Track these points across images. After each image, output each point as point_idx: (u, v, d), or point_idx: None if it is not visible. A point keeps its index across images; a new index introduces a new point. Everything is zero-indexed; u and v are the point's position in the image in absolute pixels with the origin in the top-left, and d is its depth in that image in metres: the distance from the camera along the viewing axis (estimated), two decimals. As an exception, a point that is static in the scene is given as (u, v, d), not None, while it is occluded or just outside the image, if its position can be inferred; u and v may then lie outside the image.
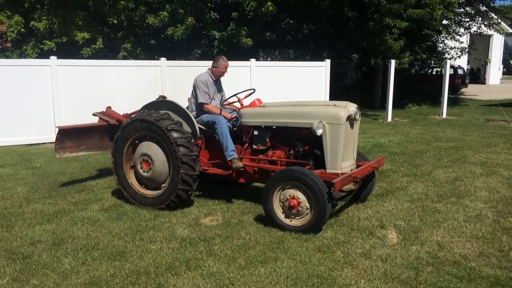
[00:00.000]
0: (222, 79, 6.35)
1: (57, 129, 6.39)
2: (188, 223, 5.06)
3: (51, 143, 9.13)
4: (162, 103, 5.87)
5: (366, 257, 4.18)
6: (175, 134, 5.23)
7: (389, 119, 14.19)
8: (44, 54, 11.98)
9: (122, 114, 6.78)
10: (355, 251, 4.30)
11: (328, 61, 13.95)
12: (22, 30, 12.47)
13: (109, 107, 6.96)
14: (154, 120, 5.31)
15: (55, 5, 12.78)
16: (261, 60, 17.86)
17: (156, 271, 3.92)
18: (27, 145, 9.76)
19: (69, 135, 6.38)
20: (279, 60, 19.57)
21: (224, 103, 6.15)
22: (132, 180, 5.73)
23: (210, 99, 5.94)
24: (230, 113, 5.97)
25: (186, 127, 5.56)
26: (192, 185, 5.32)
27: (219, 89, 6.23)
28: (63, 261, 4.10)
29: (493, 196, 6.07)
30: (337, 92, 17.88)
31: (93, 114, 6.84)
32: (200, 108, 5.92)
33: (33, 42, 12.72)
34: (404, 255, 4.22)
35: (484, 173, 7.24)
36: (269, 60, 19.31)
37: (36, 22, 12.39)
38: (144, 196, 5.61)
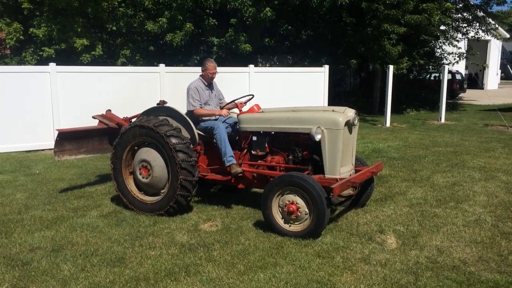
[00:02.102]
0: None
1: (56, 132, 6.40)
2: (188, 229, 5.06)
3: (50, 149, 9.13)
4: (161, 109, 5.89)
5: (365, 262, 4.18)
6: (174, 140, 5.24)
7: (388, 124, 14.22)
8: (43, 61, 11.99)
9: (122, 117, 6.79)
10: (354, 256, 4.30)
11: (327, 66, 13.99)
12: (21, 37, 12.50)
13: (109, 110, 6.97)
14: (153, 126, 5.32)
15: (54, 12, 12.81)
16: (259, 66, 17.91)
17: (156, 277, 3.91)
18: (26, 151, 9.75)
19: (68, 138, 6.38)
20: (278, 66, 19.63)
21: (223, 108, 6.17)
22: (131, 186, 5.73)
23: (200, 104, 5.92)
24: (225, 119, 6.00)
25: (185, 133, 5.57)
26: (191, 191, 5.32)
27: (215, 93, 6.22)
28: (63, 268, 4.09)
29: (492, 200, 6.08)
30: (336, 97, 17.93)
31: (93, 117, 6.86)
32: (193, 115, 5.92)
33: (32, 49, 12.75)
34: (404, 260, 4.22)
35: (482, 178, 7.26)
36: (268, 66, 19.36)
37: (35, 29, 12.42)
38: (143, 202, 5.60)
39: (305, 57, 18.82)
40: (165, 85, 11.17)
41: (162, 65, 11.32)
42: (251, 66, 12.72)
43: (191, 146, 5.43)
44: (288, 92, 13.07)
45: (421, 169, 7.94)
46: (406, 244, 4.60)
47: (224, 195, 6.31)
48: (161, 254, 4.37)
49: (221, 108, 6.14)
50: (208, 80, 6.07)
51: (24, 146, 9.84)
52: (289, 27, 17.20)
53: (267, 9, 14.20)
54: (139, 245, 4.60)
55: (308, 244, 4.53)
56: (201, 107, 5.90)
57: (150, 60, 14.73)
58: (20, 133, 9.82)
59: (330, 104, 14.11)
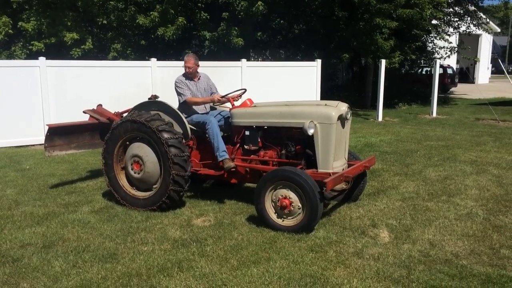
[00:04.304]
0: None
1: (47, 127, 6.33)
2: (180, 224, 5.03)
3: (40, 144, 9.03)
4: (153, 104, 5.84)
5: (358, 256, 4.19)
6: (166, 135, 5.20)
7: (380, 118, 14.26)
8: (32, 55, 11.87)
9: (113, 112, 6.73)
10: (347, 251, 4.31)
11: (319, 61, 13.98)
12: (10, 31, 12.36)
13: (100, 105, 6.91)
14: (145, 121, 5.27)
15: (44, 5, 12.67)
16: (252, 60, 17.85)
17: (148, 273, 3.89)
18: (16, 147, 9.65)
19: (59, 133, 6.32)
20: (270, 60, 19.58)
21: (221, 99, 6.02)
22: (123, 181, 5.69)
23: (191, 92, 5.86)
24: (218, 113, 5.96)
25: (177, 128, 5.53)
26: (183, 186, 5.29)
27: (204, 86, 6.12)
28: (54, 264, 4.05)
29: (483, 194, 6.12)
30: (328, 92, 17.94)
31: (84, 112, 6.79)
32: (188, 108, 5.88)
33: (21, 43, 12.62)
34: (396, 254, 4.23)
35: (474, 172, 7.30)
36: (260, 60, 19.30)
37: (24, 23, 12.29)
38: (135, 198, 5.56)
39: (298, 52, 18.79)
40: (157, 80, 11.11)
41: (153, 59, 11.25)
42: (244, 60, 12.67)
43: (184, 141, 5.40)
44: (280, 86, 13.04)
45: (413, 163, 7.97)
46: (398, 238, 4.61)
47: (218, 190, 6.29)
48: (153, 250, 4.35)
49: (223, 96, 5.98)
50: (189, 74, 5.99)
51: (14, 142, 9.75)
52: (282, 21, 17.15)
53: (259, 3, 14.13)
54: (131, 240, 4.57)
55: (301, 239, 4.53)
56: (191, 96, 5.86)
57: (142, 54, 14.63)
58: (9, 128, 9.71)
59: (322, 98, 14.11)
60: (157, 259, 4.13)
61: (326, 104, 5.18)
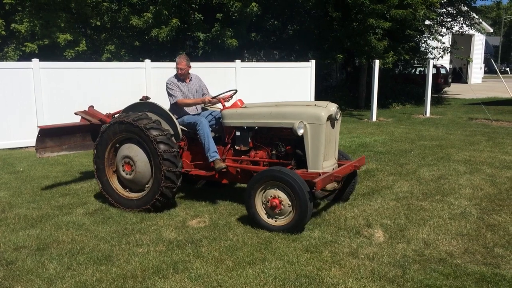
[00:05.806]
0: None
1: (38, 129, 6.30)
2: (175, 225, 5.03)
3: (34, 147, 8.99)
4: (144, 105, 5.82)
5: (353, 256, 4.20)
6: (154, 132, 5.19)
7: (374, 118, 14.30)
8: (26, 57, 11.81)
9: (105, 113, 6.71)
10: (342, 251, 4.32)
11: (313, 61, 14.00)
12: (3, 32, 12.29)
13: (91, 106, 6.87)
14: (132, 120, 5.27)
15: (37, 7, 12.61)
16: (246, 61, 17.86)
17: (143, 275, 3.88)
18: (9, 149, 9.59)
19: (50, 135, 6.28)
20: (264, 61, 19.60)
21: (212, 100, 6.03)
22: (116, 184, 5.66)
23: (182, 94, 5.86)
24: (209, 113, 5.96)
25: (167, 127, 5.51)
26: (175, 182, 5.27)
27: (195, 87, 6.12)
28: (48, 266, 4.03)
29: (477, 193, 6.15)
30: (322, 92, 17.99)
31: (75, 113, 6.75)
32: (179, 110, 5.88)
33: (14, 45, 12.55)
34: (391, 254, 4.24)
35: (467, 171, 7.34)
36: (254, 61, 19.31)
37: (17, 24, 12.22)
38: (129, 199, 5.54)
39: (292, 52, 18.81)
40: (150, 81, 11.08)
41: (147, 61, 11.22)
42: (238, 61, 12.67)
43: (173, 139, 5.39)
44: (274, 87, 13.05)
45: (407, 162, 8.00)
46: (393, 238, 4.63)
47: (208, 190, 6.28)
48: (148, 251, 4.33)
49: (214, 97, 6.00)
50: (181, 76, 5.98)
51: (7, 144, 9.68)
52: (276, 22, 17.18)
53: (253, 4, 14.14)
54: (126, 242, 4.56)
55: (296, 239, 4.54)
56: (182, 97, 5.86)
57: (136, 55, 14.60)
58: (3, 130, 9.66)
59: (316, 99, 14.14)
60: (152, 261, 4.12)
61: (315, 105, 5.20)
